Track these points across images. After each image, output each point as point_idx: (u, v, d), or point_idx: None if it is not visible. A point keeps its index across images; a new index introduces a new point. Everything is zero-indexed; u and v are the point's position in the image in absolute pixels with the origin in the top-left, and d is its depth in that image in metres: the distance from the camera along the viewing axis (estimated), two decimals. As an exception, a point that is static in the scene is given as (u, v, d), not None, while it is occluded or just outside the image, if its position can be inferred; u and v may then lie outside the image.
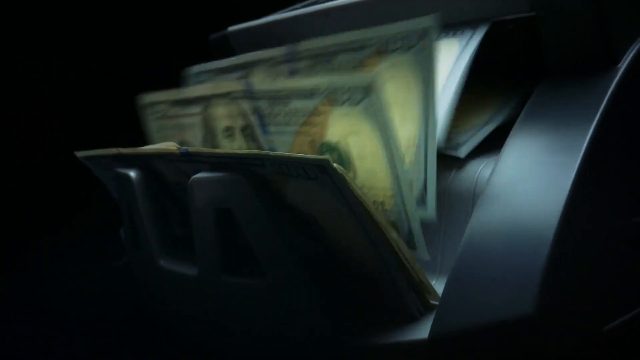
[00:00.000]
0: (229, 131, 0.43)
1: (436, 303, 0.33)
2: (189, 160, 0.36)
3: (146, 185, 0.39)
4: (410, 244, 0.35)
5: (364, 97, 0.34)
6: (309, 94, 0.37)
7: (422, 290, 0.33)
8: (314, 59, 0.40)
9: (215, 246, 0.35)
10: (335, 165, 0.30)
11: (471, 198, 0.37)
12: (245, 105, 0.41)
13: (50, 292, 0.54)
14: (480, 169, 0.38)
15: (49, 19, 0.69)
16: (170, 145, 0.39)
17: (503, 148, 0.35)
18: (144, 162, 0.39)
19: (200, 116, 0.44)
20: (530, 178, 0.33)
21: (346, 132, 0.35)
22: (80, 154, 0.43)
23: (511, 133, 0.36)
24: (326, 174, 0.30)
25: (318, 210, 0.33)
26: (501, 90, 0.43)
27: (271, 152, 0.31)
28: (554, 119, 0.35)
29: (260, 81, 0.41)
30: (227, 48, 0.51)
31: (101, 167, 0.43)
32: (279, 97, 0.39)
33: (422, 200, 0.36)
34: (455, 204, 0.37)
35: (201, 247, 0.36)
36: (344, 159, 0.36)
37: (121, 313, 0.49)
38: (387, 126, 0.34)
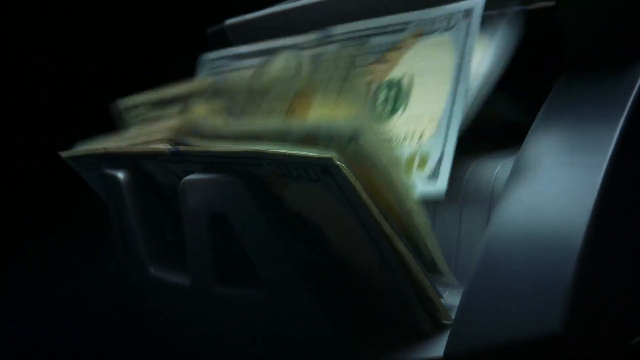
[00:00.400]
0: None
1: (448, 322, 0.29)
2: (180, 160, 0.32)
3: (135, 187, 0.35)
4: (435, 173, 0.33)
5: (460, 20, 0.34)
6: (401, 27, 0.37)
7: (431, 307, 0.29)
8: (346, 43, 0.37)
9: (209, 254, 0.31)
10: (339, 164, 0.26)
11: (488, 202, 0.33)
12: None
13: (50, 293, 0.53)
14: (497, 170, 0.34)
15: (49, 19, 0.67)
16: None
17: (522, 147, 0.32)
18: (132, 162, 0.35)
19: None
20: (554, 180, 0.30)
21: (416, 60, 0.35)
22: (64, 153, 0.39)
23: (530, 131, 0.33)
24: (329, 175, 0.26)
25: (321, 215, 0.29)
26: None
27: (269, 150, 0.27)
28: (577, 115, 0.32)
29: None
30: (224, 42, 0.47)
31: (87, 168, 0.39)
32: (357, 37, 0.38)
33: (433, 175, 0.33)
34: (470, 207, 0.34)
35: (194, 255, 0.32)
36: (400, 96, 0.36)
37: (121, 315, 0.47)
38: (471, 53, 0.34)
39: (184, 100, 0.39)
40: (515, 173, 0.31)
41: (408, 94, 0.35)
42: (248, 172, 0.29)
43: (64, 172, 0.45)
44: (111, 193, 0.37)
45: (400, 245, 0.27)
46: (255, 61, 0.43)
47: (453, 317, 0.29)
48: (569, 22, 0.34)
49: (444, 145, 0.33)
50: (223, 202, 0.30)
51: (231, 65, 0.44)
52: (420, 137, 0.34)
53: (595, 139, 0.30)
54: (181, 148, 0.31)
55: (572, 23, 0.34)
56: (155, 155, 0.33)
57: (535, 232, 0.28)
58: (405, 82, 0.36)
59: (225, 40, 0.48)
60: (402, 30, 0.37)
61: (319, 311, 0.30)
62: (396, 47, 0.37)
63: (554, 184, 0.29)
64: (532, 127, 0.33)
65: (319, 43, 0.40)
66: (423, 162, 0.33)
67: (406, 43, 0.37)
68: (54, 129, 0.67)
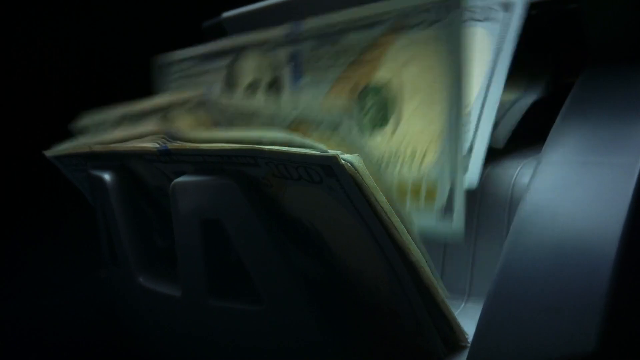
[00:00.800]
0: (252, 87, 0.35)
1: (465, 345, 0.25)
2: (169, 159, 0.28)
3: (122, 189, 0.32)
4: (448, 208, 0.28)
5: (445, 14, 0.27)
6: (373, 21, 0.30)
7: (446, 326, 0.25)
8: (319, 40, 0.32)
9: (202, 264, 0.28)
10: (343, 163, 0.22)
11: (507, 206, 0.30)
12: (282, 54, 0.34)
13: (47, 296, 0.50)
14: (517, 171, 0.30)
15: (47, 18, 0.63)
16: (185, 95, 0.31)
17: (545, 146, 0.28)
18: (119, 162, 0.32)
19: (225, 71, 0.36)
20: (581, 182, 0.26)
21: (403, 62, 0.29)
22: (49, 152, 0.35)
23: (553, 129, 0.29)
24: (333, 176, 0.23)
25: (323, 222, 0.26)
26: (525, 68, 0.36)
27: (266, 147, 0.24)
28: (605, 112, 0.29)
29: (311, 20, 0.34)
30: (221, 36, 0.44)
31: (73, 168, 0.35)
32: (332, 33, 0.32)
33: (447, 209, 0.29)
34: (487, 212, 0.30)
35: (185, 265, 0.29)
36: (389, 102, 0.29)
37: (114, 320, 0.43)
38: (463, 52, 0.27)
39: (235, 52, 0.36)
40: (537, 175, 0.27)
41: (399, 101, 0.30)
42: (243, 173, 0.26)
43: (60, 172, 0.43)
44: (97, 195, 0.33)
45: (413, 257, 0.23)
46: (221, 62, 0.38)
47: (470, 337, 0.25)
48: (593, 12, 0.31)
49: (453, 172, 0.28)
50: (216, 206, 0.27)
51: (196, 68, 0.40)
52: (422, 160, 0.29)
53: (627, 137, 0.27)
54: (169, 146, 0.27)
55: (596, 13, 0.31)
56: (142, 155, 0.29)
57: (562, 240, 0.25)
58: (393, 87, 0.30)
59: (222, 34, 0.44)
60: (377, 23, 0.31)
61: (321, 328, 0.27)
62: (375, 45, 0.31)
63: (582, 187, 0.26)
64: (555, 124, 0.29)
65: (290, 40, 0.35)
66: (431, 193, 0.29)
67: (386, 39, 0.31)
68: (48, 131, 0.64)
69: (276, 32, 0.35)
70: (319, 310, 0.27)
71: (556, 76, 0.37)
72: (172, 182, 0.27)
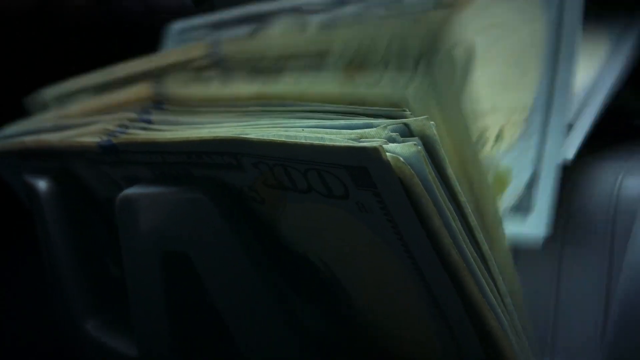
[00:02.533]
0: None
1: None
2: (116, 159, 0.19)
3: (61, 201, 0.22)
4: (524, 203, 0.19)
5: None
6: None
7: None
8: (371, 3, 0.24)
9: (163, 315, 0.18)
10: (389, 158, 0.12)
11: (610, 225, 0.20)
12: (315, 23, 0.26)
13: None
14: (620, 178, 0.20)
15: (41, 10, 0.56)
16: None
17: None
18: (59, 164, 0.22)
19: None
20: None
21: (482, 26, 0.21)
22: None
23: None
24: (368, 187, 0.13)
25: (344, 261, 0.16)
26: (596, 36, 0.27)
27: (254, 137, 0.14)
28: None
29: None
30: (208, 5, 0.34)
31: (12, 171, 0.26)
32: None
33: (521, 206, 0.20)
34: (579, 234, 0.20)
35: (140, 316, 0.19)
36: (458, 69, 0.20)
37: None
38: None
39: (150, 76, 0.27)
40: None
41: (466, 71, 0.22)
42: (220, 181, 0.17)
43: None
44: (33, 209, 0.24)
45: (491, 319, 0.14)
46: (241, 30, 0.29)
47: None
48: None
49: (540, 156, 0.20)
50: (181, 232, 0.17)
51: (209, 38, 0.31)
52: (497, 139, 0.21)
53: None
54: (114, 140, 0.18)
55: None
56: (82, 153, 0.20)
57: None
58: (459, 54, 0.22)
59: (209, 3, 0.35)
60: None
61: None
62: (442, 4, 0.24)
63: None
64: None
65: (330, 6, 0.27)
66: (501, 182, 0.20)
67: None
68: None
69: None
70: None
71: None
72: (119, 196, 0.18)
